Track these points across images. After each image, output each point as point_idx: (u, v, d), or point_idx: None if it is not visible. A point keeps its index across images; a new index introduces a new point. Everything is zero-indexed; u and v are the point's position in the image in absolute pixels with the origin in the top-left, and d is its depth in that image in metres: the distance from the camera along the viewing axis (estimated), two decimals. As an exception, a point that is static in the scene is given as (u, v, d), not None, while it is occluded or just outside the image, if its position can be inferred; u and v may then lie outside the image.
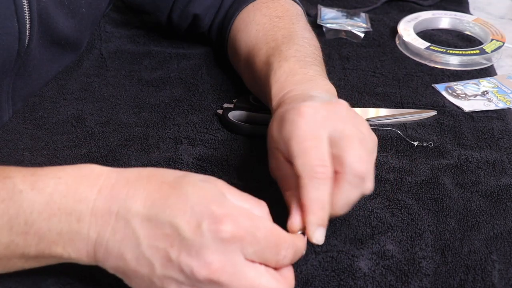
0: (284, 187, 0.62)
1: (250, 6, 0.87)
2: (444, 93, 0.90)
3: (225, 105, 0.83)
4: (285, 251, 0.53)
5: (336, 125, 0.60)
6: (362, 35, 1.04)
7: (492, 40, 1.02)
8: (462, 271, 0.62)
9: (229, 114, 0.81)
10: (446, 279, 0.61)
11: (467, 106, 0.88)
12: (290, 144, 0.59)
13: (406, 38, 1.01)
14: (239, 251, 0.51)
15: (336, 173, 0.59)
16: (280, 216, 0.58)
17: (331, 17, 1.08)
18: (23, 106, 0.82)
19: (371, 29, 1.06)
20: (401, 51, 1.01)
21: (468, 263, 0.63)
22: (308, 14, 0.97)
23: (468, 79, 0.95)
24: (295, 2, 0.90)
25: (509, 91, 0.91)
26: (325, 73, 0.75)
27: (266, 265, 0.53)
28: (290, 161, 0.60)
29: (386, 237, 0.65)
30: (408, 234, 0.66)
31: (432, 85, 0.92)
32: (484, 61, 0.99)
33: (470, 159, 0.77)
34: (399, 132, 0.80)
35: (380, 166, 0.75)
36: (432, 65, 0.98)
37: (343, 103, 0.63)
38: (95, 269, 0.55)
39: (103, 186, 0.53)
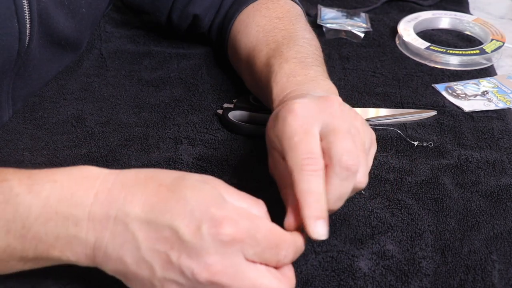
0: (281, 186, 0.62)
1: (250, 7, 0.87)
2: (444, 93, 0.90)
3: (225, 105, 0.83)
4: (285, 250, 0.53)
5: (326, 119, 0.59)
6: (362, 35, 1.05)
7: (492, 40, 1.02)
8: (462, 271, 0.62)
9: (229, 114, 0.81)
10: (446, 279, 0.61)
11: (467, 106, 0.88)
12: (281, 141, 0.59)
13: (406, 38, 1.01)
14: (239, 253, 0.51)
15: (326, 166, 0.58)
16: (280, 216, 0.58)
17: (331, 17, 1.08)
18: (23, 106, 0.82)
19: (371, 29, 1.06)
20: (401, 51, 1.01)
21: (468, 263, 0.63)
22: (308, 14, 0.97)
23: (468, 79, 0.95)
24: (295, 2, 0.90)
25: (509, 91, 0.91)
26: (326, 73, 0.75)
27: (267, 265, 0.53)
28: (284, 159, 0.60)
29: (386, 237, 0.65)
30: (408, 234, 0.66)
31: (432, 85, 0.92)
32: (484, 61, 0.99)
33: (470, 159, 0.77)
34: (399, 131, 0.80)
35: (380, 166, 0.75)
36: (432, 65, 0.98)
37: (335, 98, 0.62)
38: (95, 269, 0.55)
39: (99, 189, 0.53)
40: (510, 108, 0.88)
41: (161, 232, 0.51)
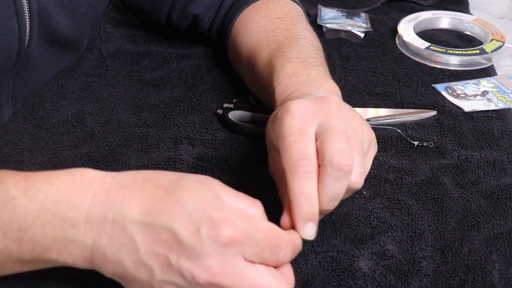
0: (279, 185, 0.62)
1: (251, 8, 0.87)
2: (444, 93, 0.90)
3: (225, 105, 0.83)
4: (284, 250, 0.53)
5: (322, 119, 0.59)
6: (362, 35, 1.05)
7: (492, 40, 1.02)
8: (462, 271, 0.62)
9: (229, 114, 0.81)
10: (446, 279, 0.61)
11: (467, 106, 0.88)
12: (278, 141, 0.59)
13: (406, 38, 1.01)
14: (238, 254, 0.51)
15: (319, 167, 0.58)
16: (280, 217, 0.58)
17: (331, 17, 1.08)
18: (23, 106, 0.82)
19: (371, 29, 1.06)
20: (401, 51, 1.01)
21: (468, 263, 0.63)
22: (308, 14, 0.97)
23: (468, 79, 0.95)
24: (295, 2, 0.90)
25: (509, 91, 0.91)
26: (328, 73, 0.75)
27: (266, 265, 0.53)
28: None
29: (386, 237, 0.65)
30: (408, 234, 0.66)
31: (432, 85, 0.92)
32: (484, 61, 0.99)
33: (470, 159, 0.77)
34: (399, 131, 0.80)
35: (380, 166, 0.75)
36: (432, 65, 0.98)
37: (333, 98, 0.62)
38: (95, 270, 0.55)
39: (96, 192, 0.53)
40: (510, 108, 0.88)
41: (159, 234, 0.51)
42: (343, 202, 0.61)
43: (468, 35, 1.08)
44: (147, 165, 0.73)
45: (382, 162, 0.76)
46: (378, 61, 0.98)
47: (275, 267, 0.54)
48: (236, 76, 0.89)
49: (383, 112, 0.85)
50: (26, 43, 0.74)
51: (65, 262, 0.53)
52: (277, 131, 0.60)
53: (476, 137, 0.81)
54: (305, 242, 0.57)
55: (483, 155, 0.78)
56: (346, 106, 0.62)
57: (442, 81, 0.94)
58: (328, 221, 0.66)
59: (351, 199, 0.69)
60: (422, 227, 0.67)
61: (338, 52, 1.00)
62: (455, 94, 0.90)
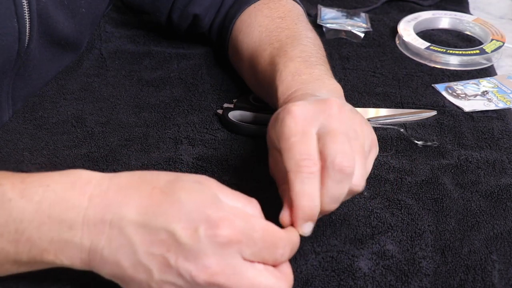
0: (280, 182, 0.62)
1: (252, 7, 0.87)
2: (444, 93, 0.90)
3: (225, 105, 0.83)
4: (282, 248, 0.53)
5: (324, 121, 0.59)
6: (362, 35, 1.05)
7: (492, 40, 1.02)
8: (462, 271, 0.62)
9: (229, 114, 0.81)
10: (446, 279, 0.61)
11: (467, 106, 0.88)
12: (279, 142, 0.59)
13: (406, 38, 1.01)
14: (237, 253, 0.51)
15: (321, 168, 0.58)
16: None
17: (331, 17, 1.08)
18: (23, 106, 0.82)
19: (371, 29, 1.06)
20: (401, 51, 1.01)
21: (468, 263, 0.63)
22: (308, 14, 0.97)
23: (468, 79, 0.95)
24: (296, 2, 0.90)
25: (509, 91, 0.91)
26: (330, 72, 0.75)
27: (265, 264, 0.53)
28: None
29: (386, 237, 0.65)
30: (408, 234, 0.66)
31: (432, 85, 0.92)
32: (484, 61, 0.99)
33: (470, 159, 0.77)
34: (402, 130, 0.80)
35: (380, 166, 0.75)
36: (432, 65, 0.98)
37: (334, 100, 0.62)
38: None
39: (93, 193, 0.53)
40: (510, 108, 0.88)
41: (157, 235, 0.51)
42: (343, 202, 0.60)
43: (468, 35, 1.08)
44: (147, 165, 0.74)
45: (382, 162, 0.76)
46: (378, 61, 0.98)
47: (274, 265, 0.54)
48: (236, 76, 0.89)
49: (383, 112, 0.85)
50: (26, 43, 0.74)
51: (62, 264, 0.53)
52: (279, 132, 0.60)
53: (476, 137, 0.81)
54: (305, 242, 0.57)
55: (483, 155, 0.78)
56: (347, 108, 0.62)
57: (442, 81, 0.94)
58: (328, 221, 0.66)
59: (351, 199, 0.68)
60: (422, 227, 0.67)
61: (338, 52, 1.00)
62: (455, 94, 0.90)
